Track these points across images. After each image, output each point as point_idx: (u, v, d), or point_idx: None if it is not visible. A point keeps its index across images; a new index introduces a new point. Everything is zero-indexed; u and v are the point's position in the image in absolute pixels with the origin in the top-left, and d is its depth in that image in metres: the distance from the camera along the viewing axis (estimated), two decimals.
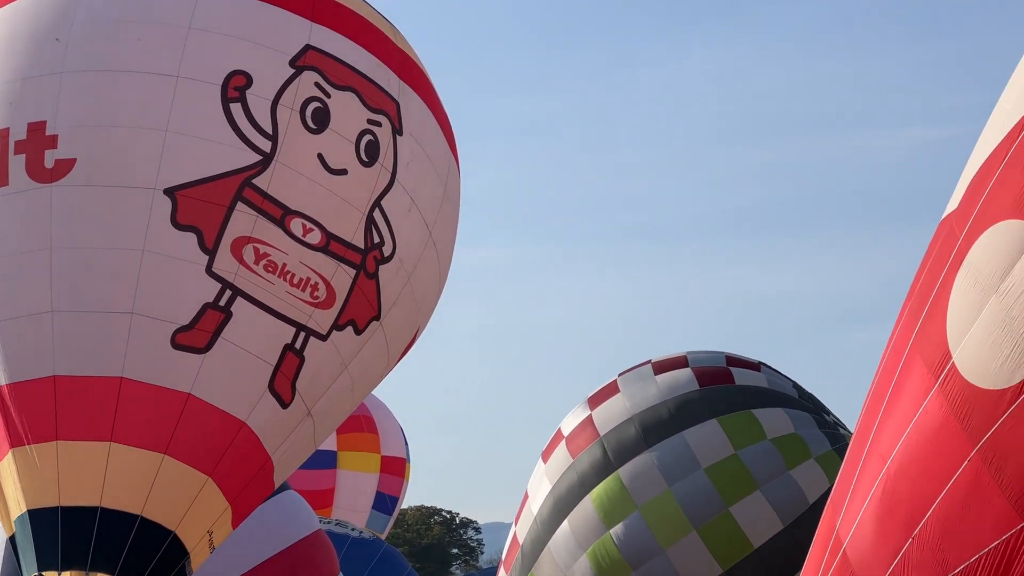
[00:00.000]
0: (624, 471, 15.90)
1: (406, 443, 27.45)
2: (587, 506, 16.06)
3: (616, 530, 15.75)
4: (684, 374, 16.29)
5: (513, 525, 17.28)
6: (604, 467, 16.07)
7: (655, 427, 15.91)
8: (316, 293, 9.74)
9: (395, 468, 26.75)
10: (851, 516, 8.24)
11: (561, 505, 16.31)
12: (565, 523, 16.21)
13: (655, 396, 16.13)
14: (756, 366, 16.67)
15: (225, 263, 9.44)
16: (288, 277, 9.62)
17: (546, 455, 16.90)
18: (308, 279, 9.70)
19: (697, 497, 15.58)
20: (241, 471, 9.72)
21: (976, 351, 7.33)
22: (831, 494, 8.70)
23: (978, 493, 7.29)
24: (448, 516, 72.01)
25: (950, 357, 7.52)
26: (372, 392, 12.00)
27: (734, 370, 16.38)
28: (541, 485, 16.67)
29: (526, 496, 17.04)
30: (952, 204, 8.02)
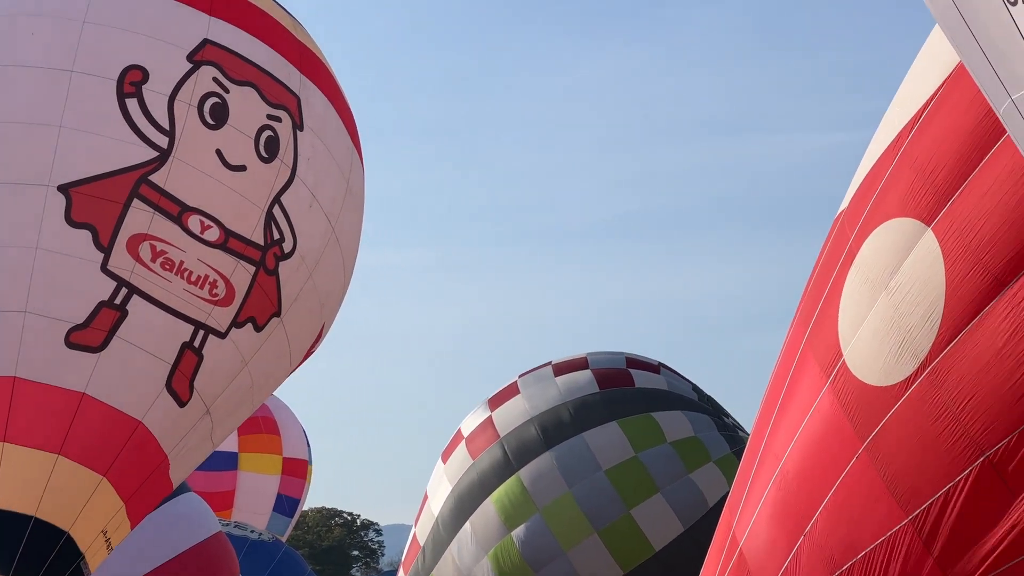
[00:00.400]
0: (525, 472, 15.93)
1: (308, 445, 27.34)
2: (488, 508, 16.06)
3: (517, 532, 15.77)
4: (584, 376, 16.36)
5: (413, 526, 17.26)
6: (505, 468, 16.08)
7: (555, 428, 15.95)
8: (215, 291, 9.65)
9: (297, 470, 26.63)
10: (747, 516, 8.31)
11: (462, 506, 16.30)
12: (467, 525, 16.21)
13: (555, 397, 16.19)
14: (656, 368, 16.78)
15: (121, 261, 9.33)
16: (186, 275, 9.52)
17: (446, 456, 16.90)
18: (206, 276, 9.61)
19: (598, 499, 15.64)
20: (137, 470, 9.62)
21: (866, 348, 7.44)
22: (729, 495, 8.76)
23: (865, 490, 7.38)
24: (349, 518, 71.87)
25: (841, 355, 7.62)
26: (274, 393, 11.92)
27: (634, 372, 16.47)
28: (441, 486, 16.67)
29: (425, 497, 17.03)
30: (844, 203, 8.13)
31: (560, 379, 16.43)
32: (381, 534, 73.72)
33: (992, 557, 7.01)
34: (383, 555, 72.69)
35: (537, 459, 15.92)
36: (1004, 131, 6.75)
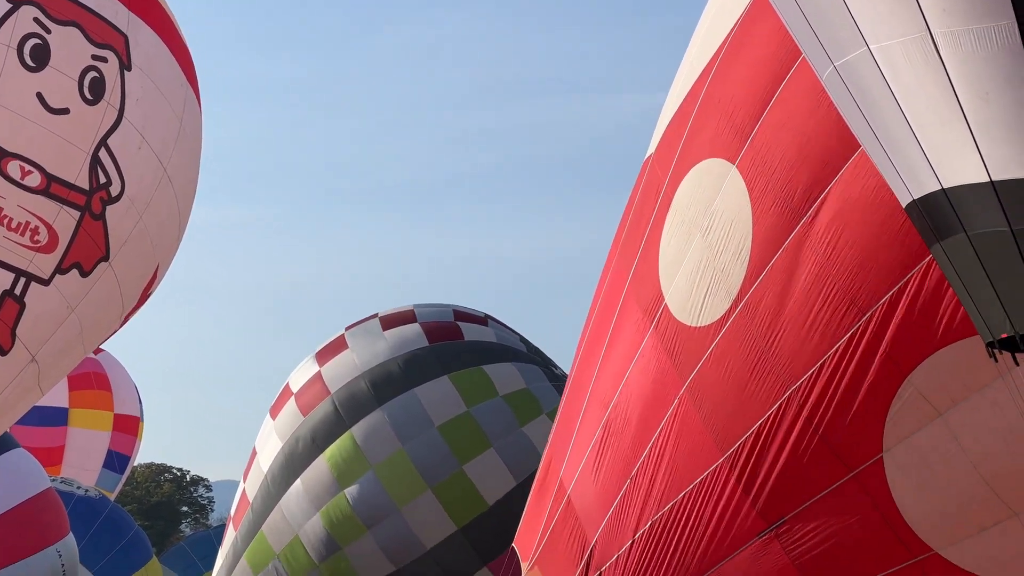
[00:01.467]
0: (357, 429, 15.89)
1: (140, 402, 27.11)
2: (321, 465, 16.01)
3: (350, 490, 15.75)
4: (412, 329, 16.33)
5: (242, 482, 17.14)
6: (337, 425, 16.03)
7: (386, 384, 15.92)
8: (36, 237, 9.47)
9: (128, 427, 26.40)
10: (574, 464, 8.38)
11: (293, 463, 16.23)
12: (298, 482, 16.14)
13: (384, 352, 16.14)
14: (483, 320, 16.82)
15: None
16: (5, 222, 9.33)
17: (274, 411, 16.77)
18: (27, 223, 9.42)
19: (431, 456, 15.68)
20: None
21: (684, 290, 7.53)
22: (549, 442, 8.81)
23: (686, 430, 7.49)
24: (178, 474, 71.11)
25: (663, 299, 7.71)
26: (106, 349, 11.75)
27: (462, 325, 16.49)
28: (270, 441, 16.55)
29: (254, 453, 16.90)
30: (651, 147, 8.18)
31: (388, 333, 16.37)
32: (211, 490, 73.02)
33: (802, 492, 7.13)
34: (213, 511, 72.06)
35: (369, 415, 15.89)
36: (795, 62, 6.83)
